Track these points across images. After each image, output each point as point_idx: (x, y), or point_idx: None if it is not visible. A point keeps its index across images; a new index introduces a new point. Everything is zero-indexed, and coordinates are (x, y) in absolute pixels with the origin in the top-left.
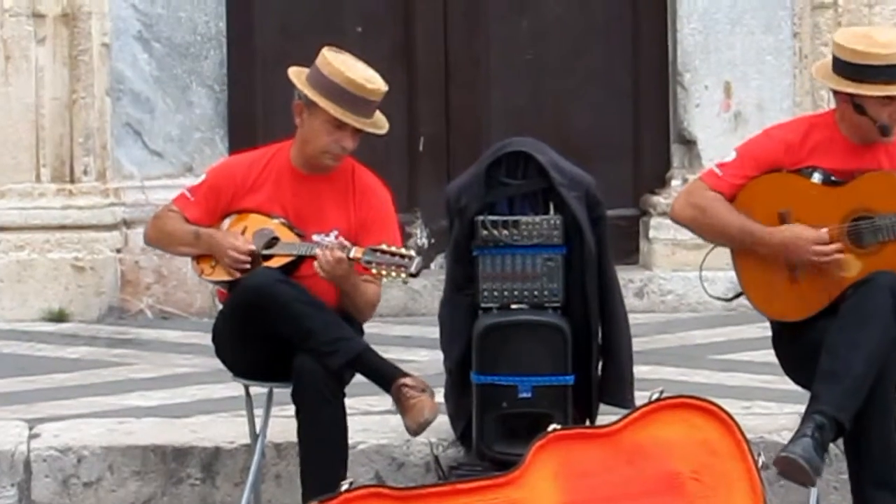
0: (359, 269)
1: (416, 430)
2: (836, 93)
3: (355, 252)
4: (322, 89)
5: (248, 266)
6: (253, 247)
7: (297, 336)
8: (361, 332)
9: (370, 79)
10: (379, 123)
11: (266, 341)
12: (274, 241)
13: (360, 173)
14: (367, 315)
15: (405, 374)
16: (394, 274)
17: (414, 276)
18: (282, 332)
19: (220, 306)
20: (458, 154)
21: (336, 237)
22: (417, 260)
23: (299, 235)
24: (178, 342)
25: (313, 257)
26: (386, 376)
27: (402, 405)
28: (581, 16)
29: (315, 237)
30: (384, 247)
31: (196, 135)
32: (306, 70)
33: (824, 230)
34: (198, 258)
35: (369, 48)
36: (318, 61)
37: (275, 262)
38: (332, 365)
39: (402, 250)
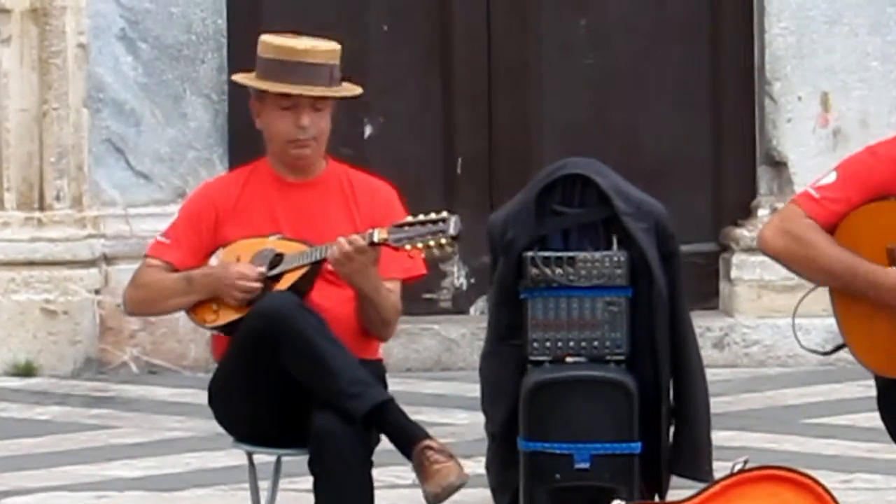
0: (383, 269)
1: (438, 494)
2: None
3: (379, 234)
4: (260, 74)
5: (260, 293)
6: (263, 269)
7: (315, 375)
8: (385, 385)
9: (305, 41)
10: (343, 92)
11: (275, 392)
12: (277, 258)
13: (355, 175)
14: (392, 328)
15: (431, 437)
16: (432, 243)
17: (455, 238)
18: (296, 371)
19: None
20: (504, 177)
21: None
22: (454, 219)
23: (306, 244)
24: (168, 401)
25: (328, 260)
26: (409, 436)
27: (423, 471)
28: (651, 13)
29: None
30: (409, 218)
31: (190, 153)
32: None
33: None
34: (195, 308)
35: (398, 49)
36: (258, 47)
37: (286, 281)
38: (356, 410)
39: (432, 215)
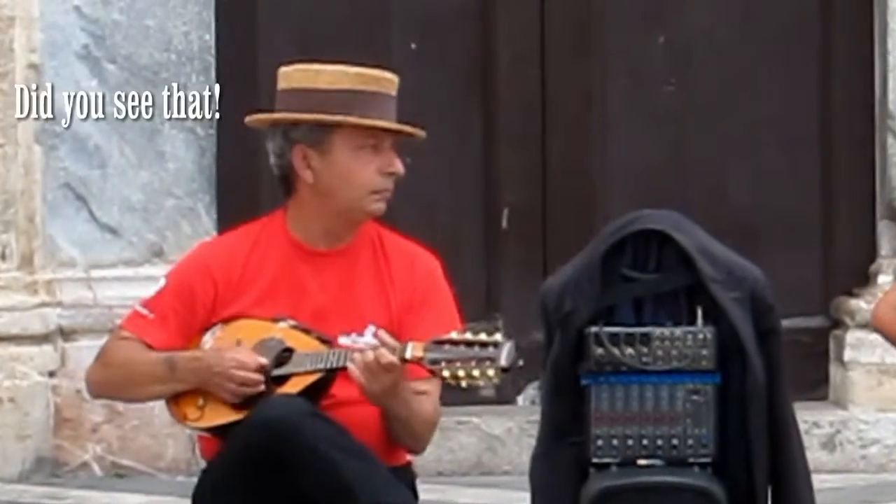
0: (413, 372)
1: None
2: None
3: (413, 350)
4: (326, 110)
5: (262, 389)
6: (265, 360)
7: (329, 496)
8: (415, 492)
9: (369, 70)
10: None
11: None
12: (286, 354)
13: (389, 240)
14: (425, 441)
15: None
16: (476, 372)
17: (506, 371)
18: (308, 491)
19: (204, 463)
20: (560, 234)
21: (374, 335)
22: (509, 346)
23: (321, 339)
24: None
25: (345, 369)
26: None
27: None
28: (745, 29)
29: (344, 339)
30: (454, 335)
31: (169, 202)
32: (270, 114)
33: None
34: (175, 399)
35: (428, 73)
36: (284, 83)
37: (292, 386)
38: None
39: (482, 336)
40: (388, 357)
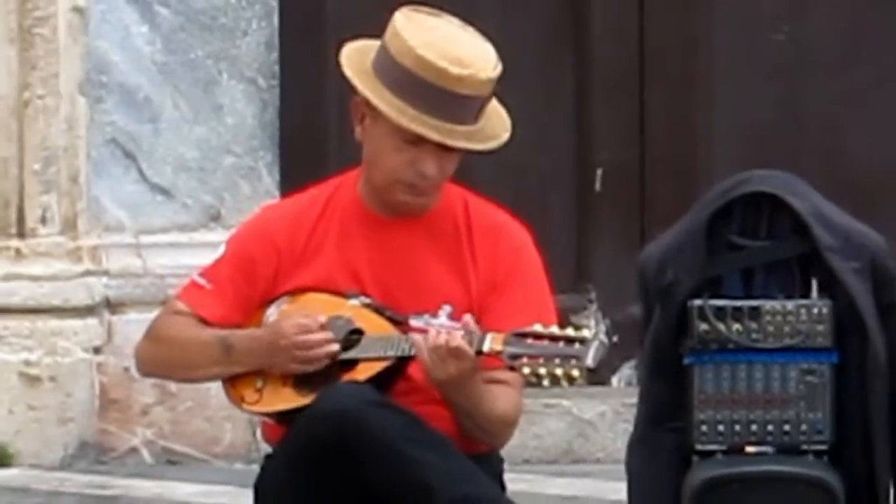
0: (492, 361)
1: None
2: None
3: (492, 342)
4: (384, 79)
5: (328, 370)
6: (330, 334)
7: (404, 494)
8: (501, 482)
9: (461, 59)
10: (488, 132)
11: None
12: (355, 335)
13: (476, 209)
14: (501, 438)
15: None
16: (558, 371)
17: (592, 371)
18: (379, 488)
19: (267, 448)
20: (660, 197)
21: (451, 317)
22: (597, 344)
23: (394, 321)
24: (193, 502)
25: (413, 358)
26: None
27: None
28: None
29: (415, 321)
30: (538, 328)
31: (227, 160)
32: (375, 45)
33: None
34: (232, 380)
35: (515, 21)
36: (387, 33)
37: (361, 372)
38: None
39: (569, 331)
40: (458, 341)
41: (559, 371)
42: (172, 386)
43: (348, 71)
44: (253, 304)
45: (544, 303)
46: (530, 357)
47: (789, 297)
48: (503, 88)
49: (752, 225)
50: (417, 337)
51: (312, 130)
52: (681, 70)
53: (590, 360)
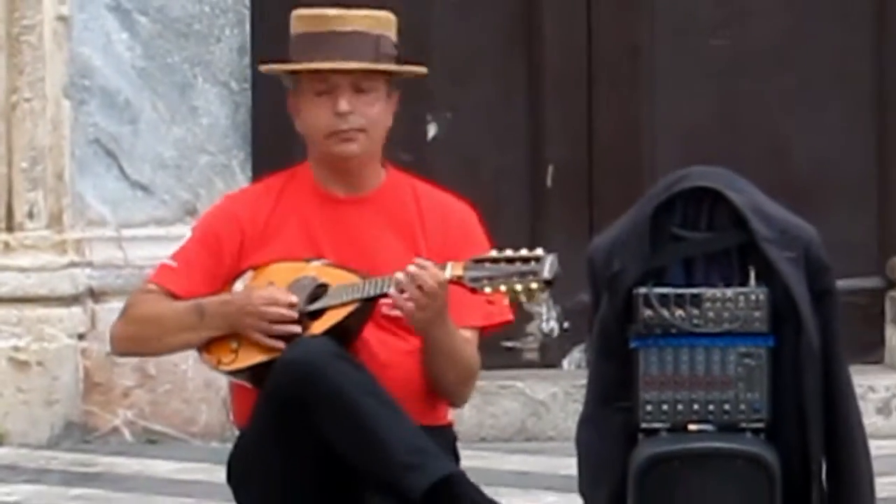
0: (457, 314)
1: None
2: None
3: (452, 269)
4: (290, 56)
5: (297, 330)
6: (295, 298)
7: (360, 445)
8: (456, 455)
9: (342, 10)
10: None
11: (313, 469)
12: (320, 289)
13: (423, 190)
14: (468, 389)
15: None
16: (518, 287)
17: (549, 283)
18: (338, 438)
19: (237, 431)
20: (607, 192)
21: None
22: (551, 258)
23: (357, 274)
24: (172, 478)
25: (385, 296)
26: None
27: None
28: None
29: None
30: (493, 253)
31: (202, 158)
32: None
33: None
34: (208, 347)
35: (471, 27)
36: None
37: (329, 319)
38: (413, 487)
39: (523, 251)
40: (437, 273)
41: (519, 286)
42: (152, 369)
43: (267, 68)
44: (219, 279)
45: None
46: (490, 278)
47: (728, 285)
48: (461, 91)
49: (693, 218)
50: (399, 274)
51: (282, 130)
52: (626, 74)
53: (546, 273)
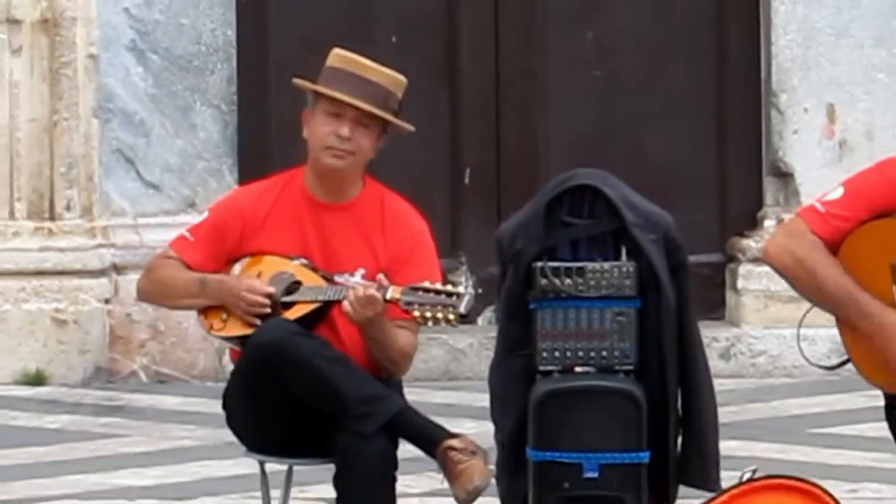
0: (395, 313)
1: (465, 499)
2: None
3: (392, 292)
4: (320, 80)
5: (268, 311)
6: (272, 289)
7: (321, 400)
8: (401, 393)
9: (374, 63)
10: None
11: (285, 409)
12: (295, 285)
13: (390, 200)
14: (402, 367)
15: (453, 436)
16: (440, 315)
17: (464, 316)
18: (302, 396)
19: (232, 367)
20: (511, 188)
21: (363, 277)
22: (468, 297)
23: (325, 278)
24: (177, 410)
25: (341, 302)
26: (431, 438)
27: (449, 471)
28: (658, 25)
29: (338, 278)
30: (427, 284)
31: (200, 164)
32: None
33: None
34: (205, 311)
35: (405, 61)
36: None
37: (297, 311)
38: (368, 429)
39: (449, 287)
40: (372, 293)
41: (440, 315)
42: (162, 326)
43: (299, 82)
44: (223, 256)
45: (434, 271)
46: (420, 304)
47: (605, 260)
48: (398, 112)
49: (578, 208)
50: (349, 291)
51: (261, 142)
52: (525, 96)
53: (462, 308)
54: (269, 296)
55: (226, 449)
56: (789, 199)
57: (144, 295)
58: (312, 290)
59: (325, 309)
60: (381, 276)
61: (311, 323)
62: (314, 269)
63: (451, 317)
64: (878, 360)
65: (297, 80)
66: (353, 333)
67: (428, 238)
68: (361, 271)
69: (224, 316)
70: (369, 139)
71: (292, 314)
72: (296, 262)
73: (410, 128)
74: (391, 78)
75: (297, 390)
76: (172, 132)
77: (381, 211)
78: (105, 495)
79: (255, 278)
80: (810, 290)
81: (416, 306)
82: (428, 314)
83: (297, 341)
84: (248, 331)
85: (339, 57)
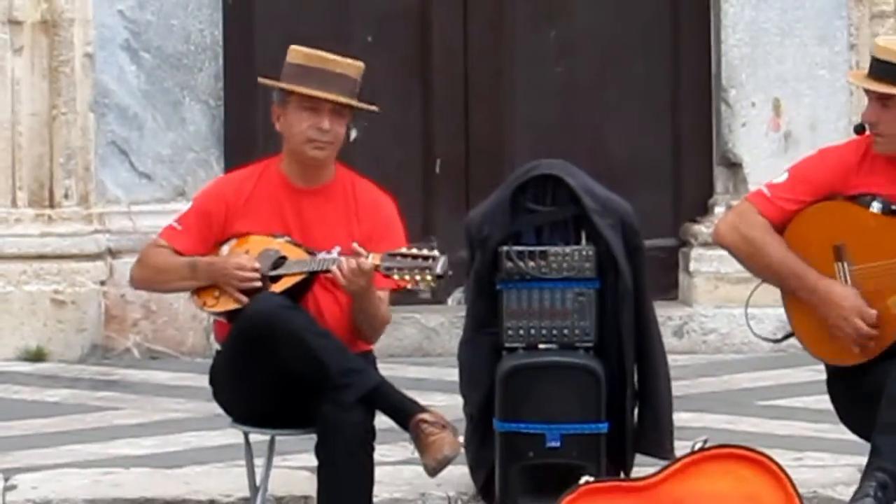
0: (377, 283)
1: (434, 467)
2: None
3: (372, 259)
4: (286, 77)
5: (258, 285)
6: (258, 265)
7: (307, 369)
8: (376, 368)
9: (331, 55)
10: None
11: (270, 380)
12: (281, 260)
13: (360, 185)
14: (378, 335)
15: (424, 410)
16: (418, 277)
17: (440, 277)
18: (290, 365)
19: (217, 346)
20: (479, 178)
21: (339, 254)
22: (443, 259)
23: (308, 252)
24: (168, 384)
25: (327, 272)
26: (404, 411)
27: (420, 442)
28: (615, 26)
29: (318, 256)
30: (403, 250)
31: (189, 155)
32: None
33: (874, 312)
34: (198, 291)
35: (381, 59)
36: (287, 58)
37: (283, 284)
38: (349, 399)
39: (424, 251)
40: (368, 264)
41: (418, 277)
42: (153, 306)
43: (267, 82)
44: (210, 240)
45: (405, 245)
46: (399, 268)
47: (567, 244)
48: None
49: (541, 196)
50: (342, 262)
51: (245, 134)
52: (493, 91)
53: (438, 270)
54: (256, 270)
55: (213, 420)
56: (738, 187)
57: (139, 283)
58: (297, 263)
59: (310, 280)
60: (355, 245)
61: (296, 294)
62: (297, 245)
63: (429, 277)
64: (822, 332)
65: (264, 80)
66: (333, 309)
67: (397, 217)
68: (337, 249)
69: (216, 293)
70: (343, 127)
71: (279, 287)
72: (280, 240)
73: (375, 108)
74: (353, 66)
75: (286, 359)
76: (164, 125)
77: (353, 193)
78: (101, 464)
79: (244, 255)
80: (758, 266)
81: (395, 270)
82: (407, 277)
83: (287, 314)
84: (240, 305)
85: (301, 54)
